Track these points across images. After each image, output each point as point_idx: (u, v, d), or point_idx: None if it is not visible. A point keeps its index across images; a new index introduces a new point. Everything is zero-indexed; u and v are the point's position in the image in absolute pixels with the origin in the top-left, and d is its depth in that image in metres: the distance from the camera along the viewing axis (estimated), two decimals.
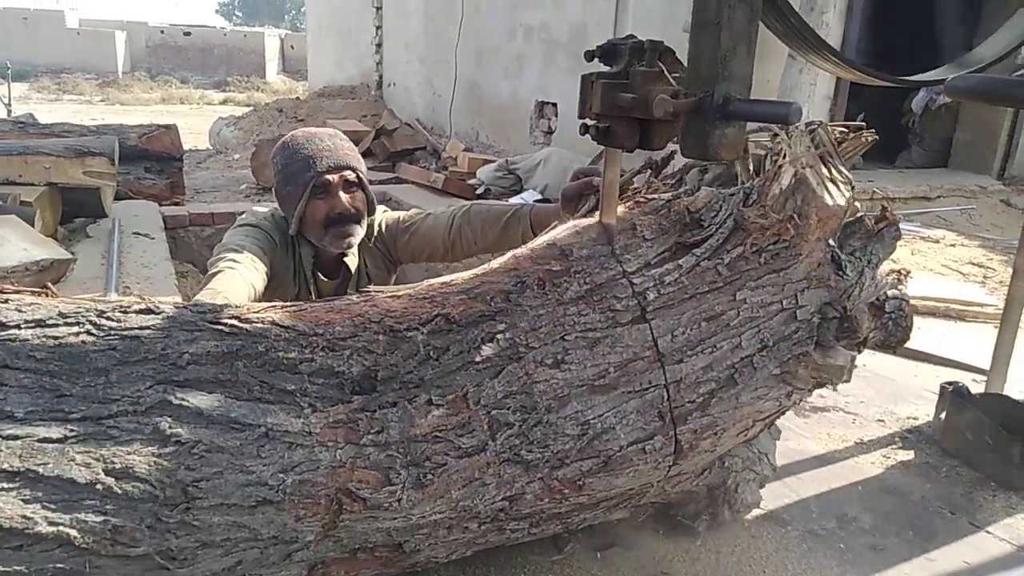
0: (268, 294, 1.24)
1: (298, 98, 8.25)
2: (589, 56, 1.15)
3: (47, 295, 0.70)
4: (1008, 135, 4.35)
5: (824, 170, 0.86)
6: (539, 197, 3.75)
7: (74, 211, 2.71)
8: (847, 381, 0.85)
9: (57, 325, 0.66)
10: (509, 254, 0.86)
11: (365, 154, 5.11)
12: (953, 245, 3.11)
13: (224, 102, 14.32)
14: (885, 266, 0.94)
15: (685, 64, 1.07)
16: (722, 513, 0.93)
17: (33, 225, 2.15)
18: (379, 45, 7.07)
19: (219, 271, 1.12)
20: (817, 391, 0.93)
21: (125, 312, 0.70)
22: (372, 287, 0.82)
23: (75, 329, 0.67)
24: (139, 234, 2.72)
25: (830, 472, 1.22)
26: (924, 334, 1.92)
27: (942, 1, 4.58)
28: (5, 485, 0.60)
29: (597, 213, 0.88)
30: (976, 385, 1.45)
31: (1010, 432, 1.22)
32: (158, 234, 2.78)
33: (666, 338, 0.80)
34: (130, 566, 0.63)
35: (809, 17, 3.46)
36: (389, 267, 1.48)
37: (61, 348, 0.65)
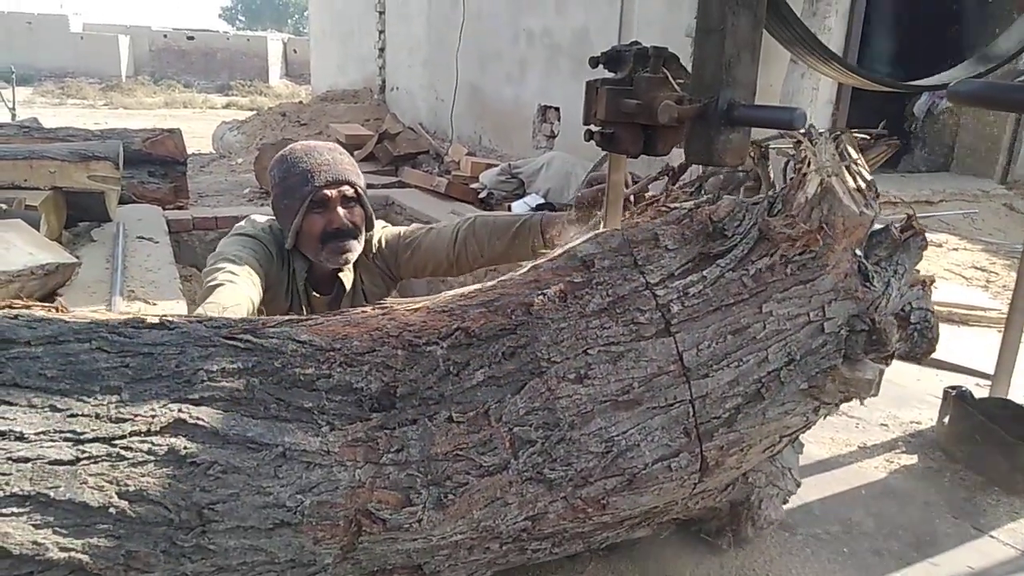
0: (262, 308, 1.23)
1: (301, 102, 8.25)
2: (594, 62, 1.14)
3: (58, 310, 0.68)
4: (1011, 139, 4.34)
5: (849, 178, 0.84)
6: (541, 201, 3.74)
7: (78, 215, 2.72)
8: (875, 395, 0.83)
9: (68, 342, 0.64)
10: (528, 265, 0.84)
11: (368, 158, 5.10)
12: (956, 249, 3.09)
13: (227, 106, 14.35)
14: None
15: (689, 70, 1.06)
16: (745, 530, 0.91)
17: (38, 229, 2.15)
18: (382, 49, 7.07)
19: (219, 283, 1.10)
20: None
21: (138, 328, 0.68)
22: (389, 299, 0.81)
23: (86, 346, 0.65)
24: (143, 238, 2.72)
25: (833, 476, 1.22)
26: None
27: (946, 6, 4.57)
28: (15, 510, 0.58)
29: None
30: (980, 389, 1.44)
31: (1014, 436, 1.22)
32: (162, 238, 2.78)
33: (691, 352, 0.78)
34: None
35: (811, 21, 3.46)
36: (388, 283, 1.46)
37: (72, 366, 0.63)
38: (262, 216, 1.40)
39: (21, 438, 0.60)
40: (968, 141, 4.52)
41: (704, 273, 0.81)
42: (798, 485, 0.96)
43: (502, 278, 0.84)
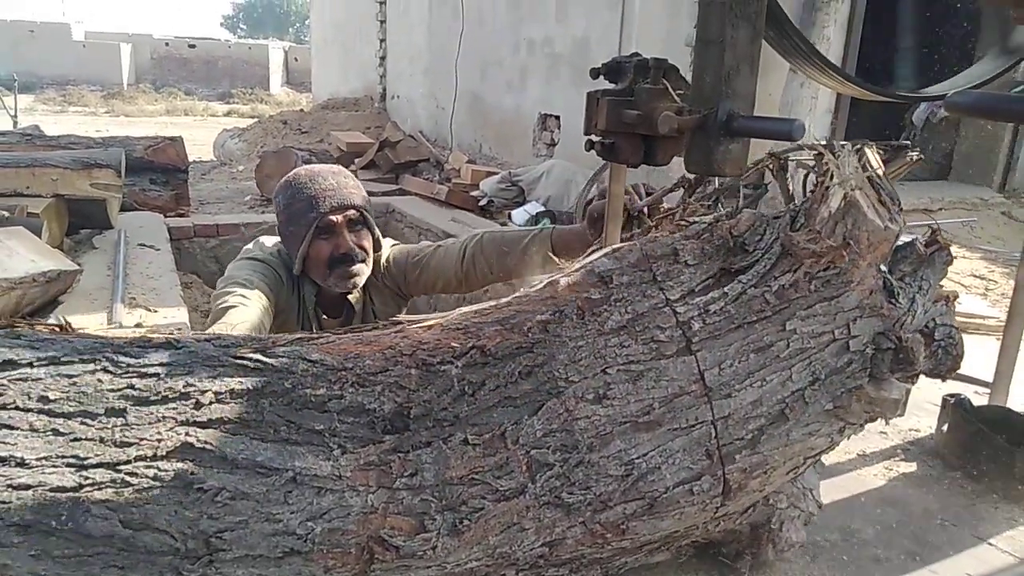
0: (273, 332, 1.21)
1: (302, 110, 8.26)
2: (594, 74, 1.13)
3: (62, 329, 0.66)
4: (1009, 148, 4.35)
5: (873, 192, 0.82)
6: (542, 209, 3.73)
7: (80, 222, 2.71)
8: (901, 415, 0.81)
9: (72, 362, 0.62)
10: (545, 280, 0.82)
11: (368, 166, 5.09)
12: (954, 257, 3.08)
13: (228, 114, 14.38)
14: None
15: (689, 81, 1.05)
16: (766, 552, 0.89)
17: (40, 236, 2.14)
18: (383, 58, 7.08)
19: (231, 305, 1.08)
20: None
21: (143, 348, 0.65)
22: (402, 315, 0.78)
23: (91, 367, 0.62)
24: (144, 245, 2.71)
25: (832, 484, 1.21)
26: None
27: (941, 16, 4.58)
28: (15, 540, 0.55)
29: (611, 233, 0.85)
30: (978, 397, 1.44)
31: (1013, 444, 1.22)
32: (163, 245, 2.77)
33: (713, 371, 0.76)
34: None
35: (810, 32, 3.46)
36: (399, 302, 1.44)
37: (75, 388, 0.61)
38: (269, 239, 1.38)
39: (22, 464, 0.57)
40: (966, 150, 4.53)
41: (725, 289, 0.79)
42: (820, 507, 0.94)
43: (517, 294, 0.82)
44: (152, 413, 0.62)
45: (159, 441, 0.61)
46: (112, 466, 0.59)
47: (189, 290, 2.80)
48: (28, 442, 0.58)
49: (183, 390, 0.64)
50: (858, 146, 0.86)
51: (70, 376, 0.62)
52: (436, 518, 0.67)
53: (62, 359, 0.62)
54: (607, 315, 0.77)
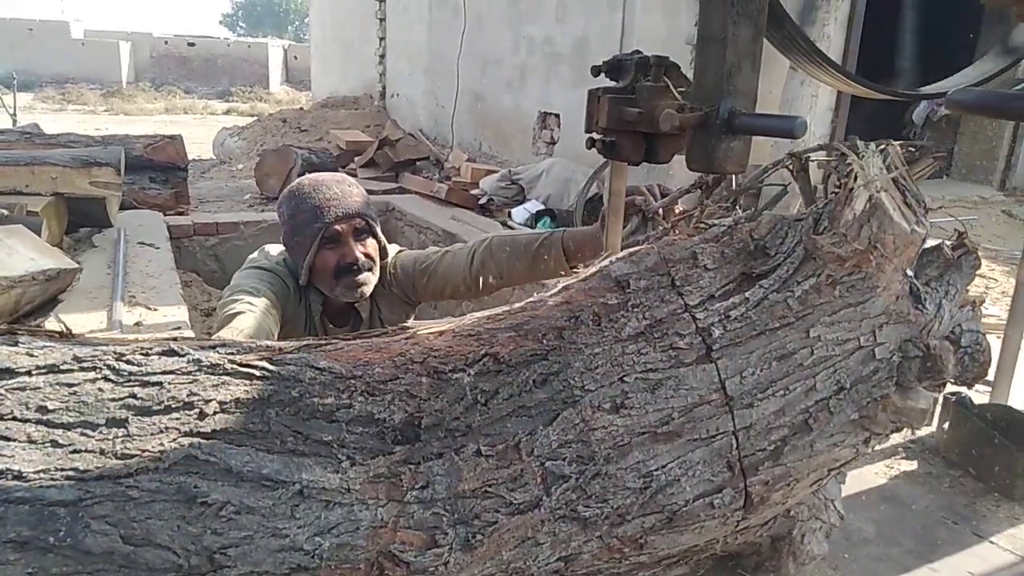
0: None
1: (302, 108, 8.22)
2: (596, 71, 1.11)
3: (61, 335, 0.63)
4: (1009, 146, 4.35)
5: (898, 194, 0.80)
6: (541, 207, 3.71)
7: (80, 221, 2.69)
8: (928, 425, 0.79)
9: (72, 371, 0.59)
10: (560, 285, 0.79)
11: (368, 164, 5.07)
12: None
13: (227, 112, 14.32)
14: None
15: (690, 79, 1.04)
16: (786, 566, 0.86)
17: (40, 235, 2.12)
18: (382, 56, 7.05)
19: (239, 311, 1.06)
20: None
21: (146, 355, 0.63)
22: (412, 321, 0.76)
23: (91, 375, 0.60)
24: (144, 244, 2.69)
25: None
26: None
27: (940, 14, 4.57)
28: (11, 557, 0.52)
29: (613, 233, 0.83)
30: (979, 396, 1.44)
31: (1013, 442, 1.21)
32: (163, 244, 2.75)
33: (734, 379, 0.73)
34: None
35: (810, 29, 3.44)
36: (407, 309, 1.41)
37: (75, 397, 0.58)
38: (275, 248, 1.36)
39: (19, 477, 0.55)
40: (967, 148, 4.51)
41: (746, 295, 0.76)
42: (841, 518, 0.91)
43: (531, 299, 0.79)
44: (155, 423, 0.59)
45: (162, 453, 0.58)
46: (113, 479, 0.57)
47: (189, 288, 2.79)
48: (26, 454, 0.56)
49: (186, 399, 0.61)
50: (882, 146, 0.83)
51: (70, 385, 0.59)
52: (448, 532, 0.64)
53: (61, 367, 0.59)
54: (624, 321, 0.74)
